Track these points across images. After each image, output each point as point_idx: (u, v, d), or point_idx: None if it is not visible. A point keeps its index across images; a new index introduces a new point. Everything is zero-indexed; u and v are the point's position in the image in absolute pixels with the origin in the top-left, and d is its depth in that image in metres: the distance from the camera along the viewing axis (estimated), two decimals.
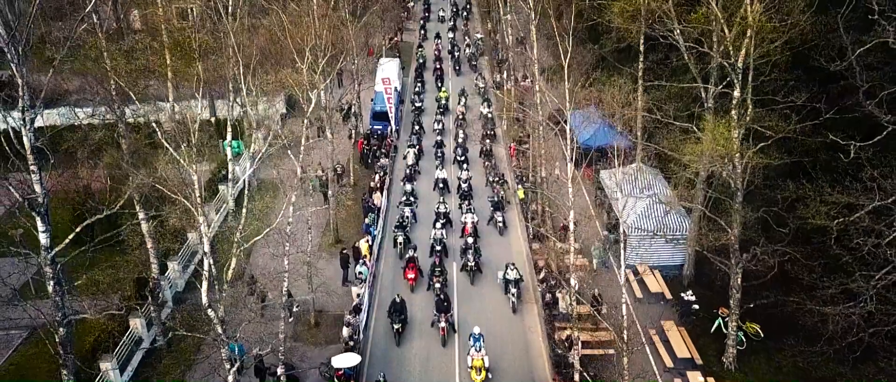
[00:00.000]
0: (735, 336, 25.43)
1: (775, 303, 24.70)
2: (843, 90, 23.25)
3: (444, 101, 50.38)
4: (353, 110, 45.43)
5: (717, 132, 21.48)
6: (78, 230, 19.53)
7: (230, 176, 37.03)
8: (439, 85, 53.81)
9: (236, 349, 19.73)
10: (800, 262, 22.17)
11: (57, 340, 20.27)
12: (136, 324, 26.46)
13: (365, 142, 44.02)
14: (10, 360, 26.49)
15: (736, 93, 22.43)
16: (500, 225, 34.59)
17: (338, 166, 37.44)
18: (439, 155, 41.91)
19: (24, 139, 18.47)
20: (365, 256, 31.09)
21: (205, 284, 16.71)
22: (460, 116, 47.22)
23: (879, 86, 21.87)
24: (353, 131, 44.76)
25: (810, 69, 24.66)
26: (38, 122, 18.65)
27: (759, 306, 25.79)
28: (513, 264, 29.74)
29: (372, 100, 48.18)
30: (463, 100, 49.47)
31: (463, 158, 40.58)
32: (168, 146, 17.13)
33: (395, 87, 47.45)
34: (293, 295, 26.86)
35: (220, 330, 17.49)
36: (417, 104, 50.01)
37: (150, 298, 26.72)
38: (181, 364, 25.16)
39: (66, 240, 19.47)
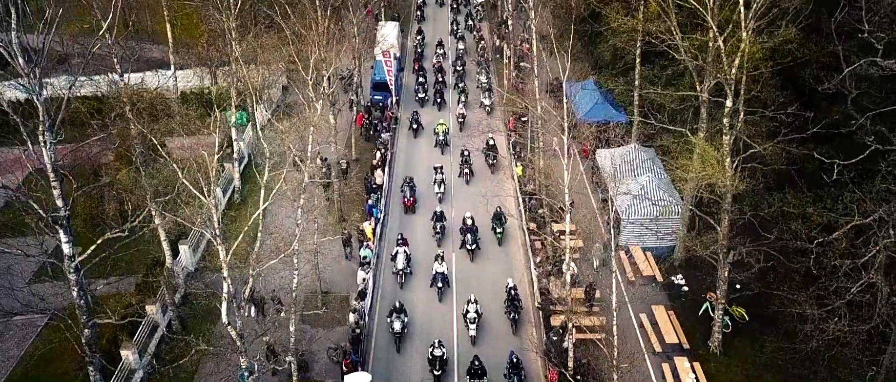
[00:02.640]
0: (721, 323, 26.80)
1: (760, 294, 26.00)
2: (833, 98, 23.93)
3: (441, 137, 41.25)
4: (353, 80, 45.31)
5: (705, 158, 22.28)
6: (99, 242, 20.66)
7: (235, 154, 37.88)
8: (438, 100, 47.32)
9: (255, 367, 21.08)
10: (783, 266, 23.31)
11: (83, 341, 21.73)
12: (153, 310, 27.77)
13: (366, 115, 44.31)
14: (35, 345, 27.83)
15: (728, 103, 23.17)
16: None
17: (342, 161, 37.47)
18: (438, 230, 33.69)
19: (45, 158, 19.40)
20: (369, 239, 32.09)
21: (224, 305, 17.96)
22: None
23: (867, 95, 22.62)
24: (354, 105, 44.87)
25: (800, 81, 25.27)
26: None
27: (745, 296, 27.12)
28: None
29: (372, 68, 47.93)
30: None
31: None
32: (189, 186, 18.03)
33: (395, 55, 47.18)
34: (282, 300, 27.92)
35: (239, 344, 18.89)
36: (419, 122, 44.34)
37: (164, 286, 27.95)
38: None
39: (88, 251, 20.62)
